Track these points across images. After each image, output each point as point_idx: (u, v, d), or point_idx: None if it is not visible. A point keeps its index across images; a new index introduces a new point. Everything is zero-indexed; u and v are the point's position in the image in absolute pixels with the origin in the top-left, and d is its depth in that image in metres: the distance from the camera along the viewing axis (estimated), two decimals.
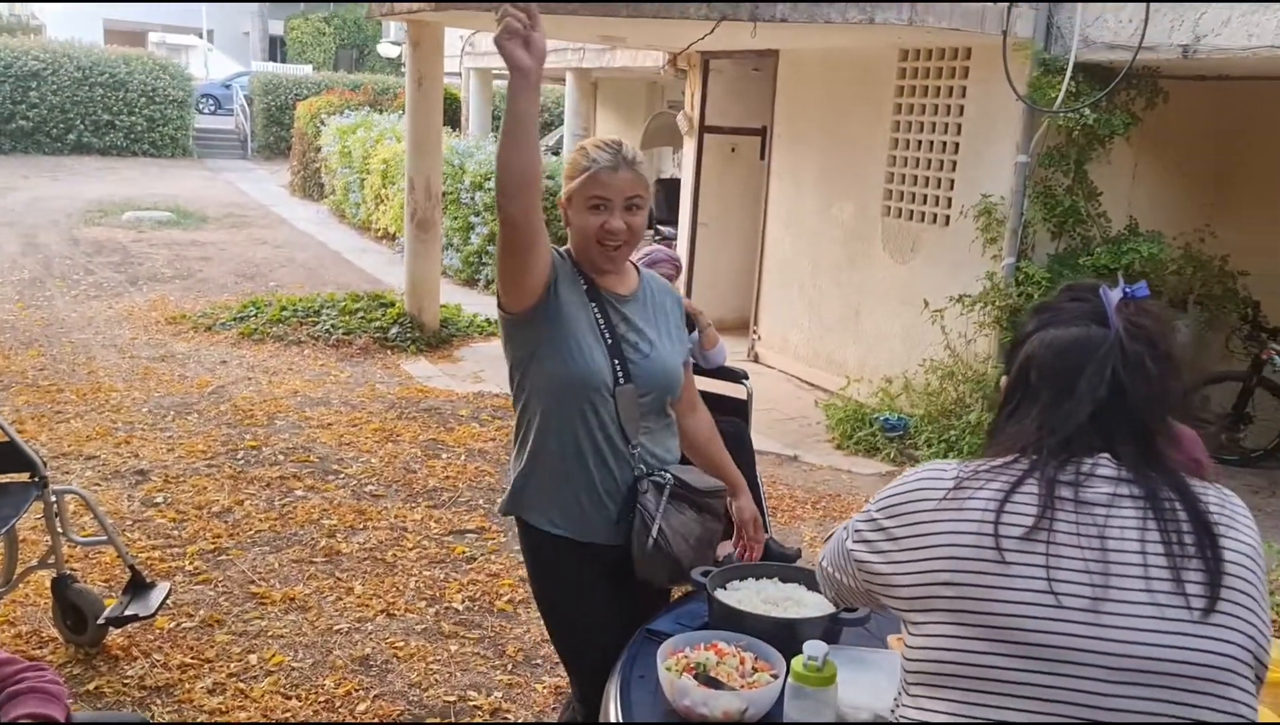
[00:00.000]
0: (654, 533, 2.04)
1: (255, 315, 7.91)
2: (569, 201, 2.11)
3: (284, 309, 7.98)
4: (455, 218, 10.21)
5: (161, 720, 2.96)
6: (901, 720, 1.27)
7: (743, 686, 1.68)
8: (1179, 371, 1.28)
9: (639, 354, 2.12)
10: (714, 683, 1.66)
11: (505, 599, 3.79)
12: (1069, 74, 5.18)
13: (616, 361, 2.08)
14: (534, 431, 2.12)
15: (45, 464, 3.27)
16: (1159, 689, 1.14)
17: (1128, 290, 1.29)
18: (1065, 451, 1.24)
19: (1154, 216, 5.77)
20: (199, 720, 2.98)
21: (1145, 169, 5.95)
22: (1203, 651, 1.15)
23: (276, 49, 34.31)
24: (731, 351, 5.08)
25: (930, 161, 6.20)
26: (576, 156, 2.11)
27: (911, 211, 6.36)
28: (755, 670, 1.74)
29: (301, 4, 32.89)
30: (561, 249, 2.16)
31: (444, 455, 5.34)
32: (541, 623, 3.61)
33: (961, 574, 1.21)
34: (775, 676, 1.70)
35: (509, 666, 3.35)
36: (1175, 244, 5.78)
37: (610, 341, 2.09)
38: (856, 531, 1.38)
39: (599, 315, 2.11)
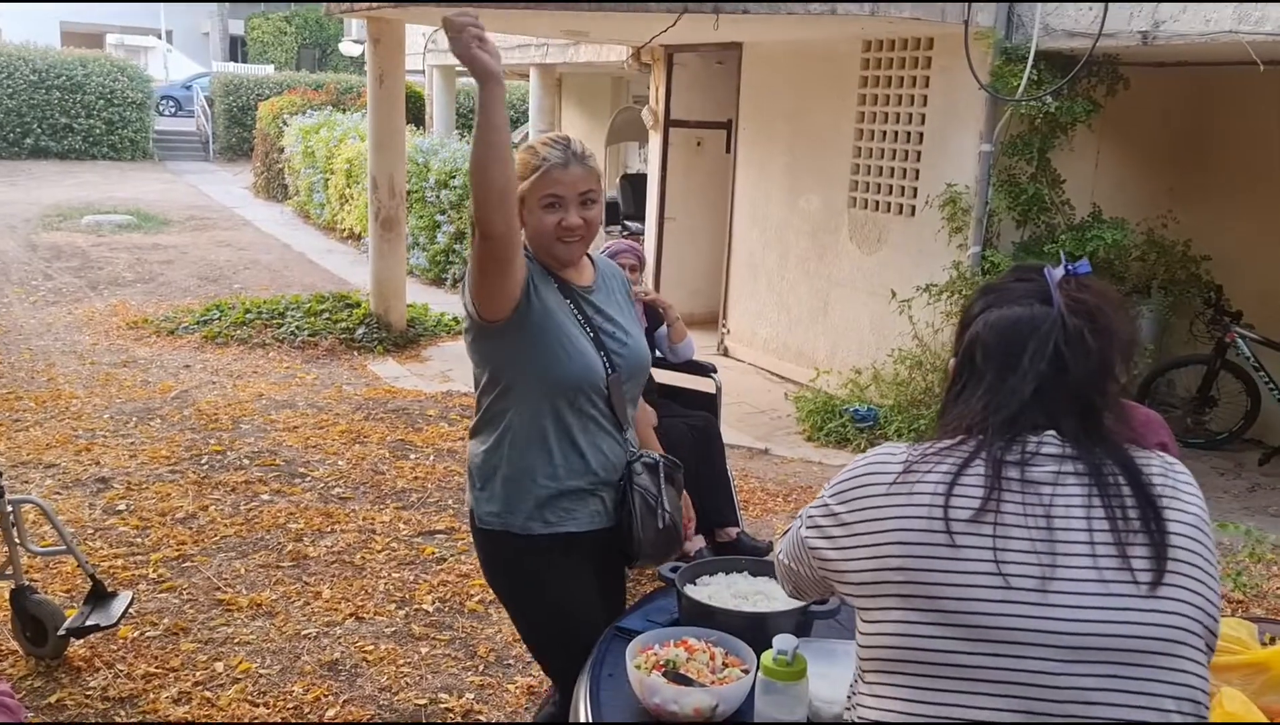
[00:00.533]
0: (667, 513, 2.11)
1: (219, 318, 7.80)
2: (522, 202, 2.05)
3: (248, 311, 7.88)
4: (421, 216, 10.13)
5: None
6: (858, 721, 1.26)
7: (713, 682, 1.66)
8: (1121, 345, 1.28)
9: (618, 343, 2.13)
10: (684, 680, 1.64)
11: (476, 599, 3.75)
12: (1030, 62, 5.20)
13: (602, 354, 2.09)
14: (517, 434, 2.06)
15: (0, 473, 3.20)
16: (1109, 665, 1.14)
17: (1070, 268, 1.31)
18: (1011, 430, 1.24)
19: (1117, 203, 5.82)
20: None
21: (1108, 156, 6.00)
22: (1151, 625, 1.15)
23: (237, 49, 33.86)
24: (701, 346, 5.07)
25: (895, 152, 6.22)
26: (525, 156, 2.07)
27: (878, 202, 6.38)
28: (726, 665, 1.72)
29: (262, 3, 32.48)
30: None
31: (412, 456, 5.28)
32: (511, 623, 3.58)
33: (912, 559, 1.20)
34: (746, 671, 1.69)
35: (480, 667, 3.32)
36: (1138, 230, 5.84)
37: (592, 335, 2.09)
38: (810, 518, 1.37)
39: (575, 310, 2.10)
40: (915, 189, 6.08)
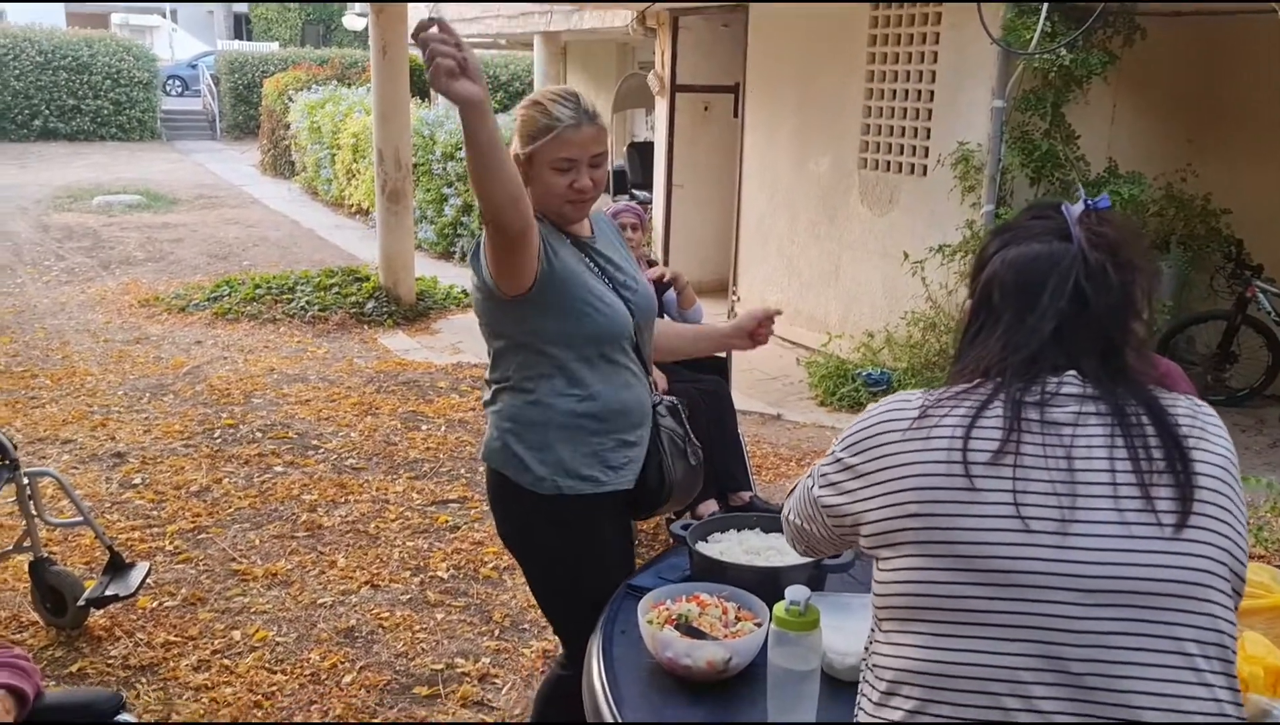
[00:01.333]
0: (697, 448, 2.17)
1: (229, 295, 7.80)
2: (529, 160, 2.00)
3: (258, 287, 7.88)
4: (428, 190, 10.08)
5: (147, 698, 2.92)
6: (874, 668, 1.24)
7: (726, 636, 1.64)
8: (1144, 280, 1.24)
9: (630, 291, 2.11)
10: (697, 634, 1.63)
11: (490, 566, 3.75)
12: (1044, 14, 5.10)
13: (624, 303, 2.07)
14: (547, 396, 2.03)
15: (15, 447, 3.21)
16: (1132, 608, 1.11)
17: (1089, 203, 1.26)
18: (1030, 370, 1.20)
19: (1134, 157, 5.72)
20: (185, 697, 2.94)
21: (1124, 109, 5.90)
22: (1176, 567, 1.12)
23: (241, 26, 33.72)
24: (711, 313, 5.04)
25: (906, 111, 6.13)
26: (533, 113, 1.99)
27: (889, 163, 6.30)
28: (739, 620, 1.70)
29: None
30: None
31: (424, 427, 5.28)
32: (527, 587, 3.58)
33: (930, 504, 1.17)
34: (759, 625, 1.67)
35: (496, 632, 3.32)
36: (1156, 185, 5.74)
37: (610, 285, 2.07)
38: (822, 476, 1.34)
39: (591, 264, 2.07)
40: (926, 148, 5.99)
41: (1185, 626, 1.11)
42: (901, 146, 6.19)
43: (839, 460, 1.30)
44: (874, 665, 1.24)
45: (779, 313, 2.35)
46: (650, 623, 1.67)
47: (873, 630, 1.28)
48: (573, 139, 1.97)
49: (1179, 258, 5.87)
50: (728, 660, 1.59)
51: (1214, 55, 5.92)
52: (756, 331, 2.29)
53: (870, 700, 1.23)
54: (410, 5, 7.65)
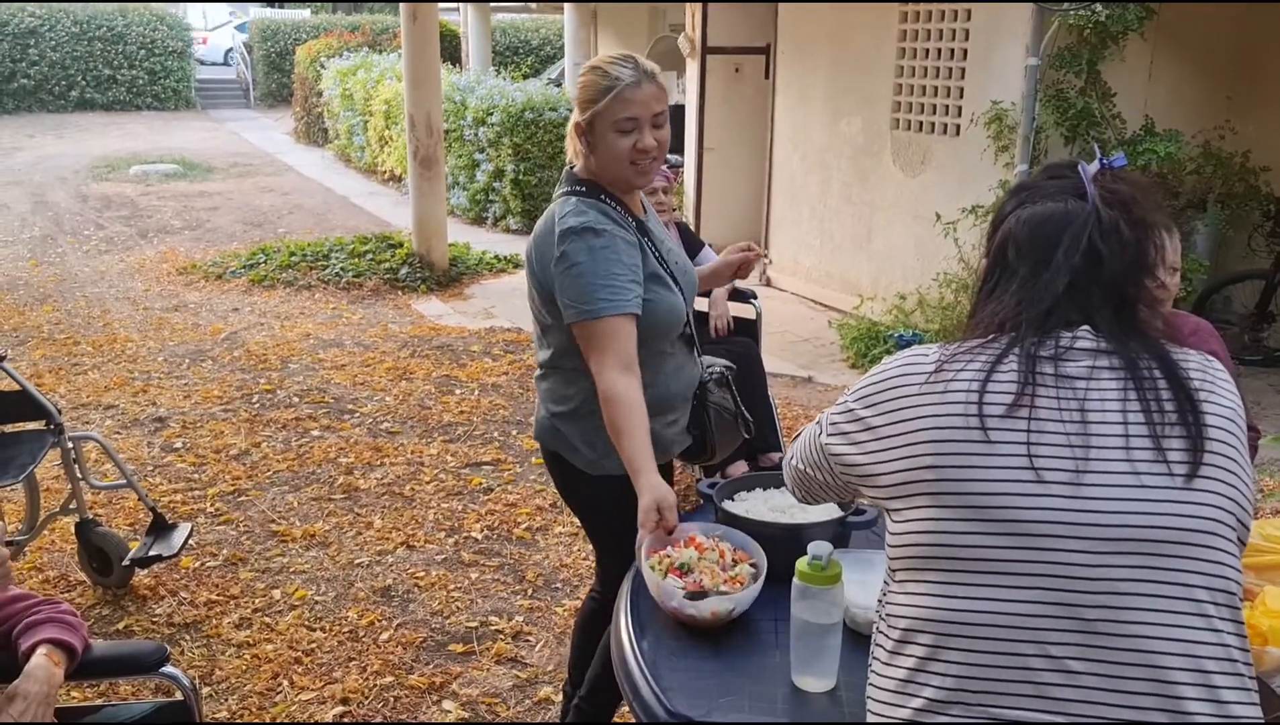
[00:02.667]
0: (748, 421, 2.27)
1: (265, 262, 7.91)
2: (589, 126, 2.01)
3: (293, 254, 7.97)
4: (460, 156, 10.10)
5: (191, 654, 3.02)
6: (887, 617, 1.26)
7: (726, 580, 1.69)
8: (1157, 235, 1.25)
9: (680, 271, 2.16)
10: (699, 595, 1.65)
11: (523, 527, 3.82)
12: None
13: (678, 288, 2.12)
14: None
15: (60, 411, 3.30)
16: (1142, 556, 1.13)
17: (1105, 161, 1.28)
18: (1044, 325, 1.22)
19: (1171, 115, 5.61)
20: (227, 653, 3.03)
21: (1161, 66, 5.77)
22: (1186, 516, 1.14)
23: None
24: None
25: (939, 70, 6.05)
26: (593, 77, 2.01)
27: (921, 123, 6.23)
28: (735, 562, 1.75)
29: None
30: (581, 189, 2.06)
31: (458, 391, 5.35)
32: (559, 547, 3.63)
33: (944, 456, 1.19)
34: (754, 565, 1.73)
35: (529, 591, 3.39)
36: (1194, 142, 5.64)
37: (669, 273, 2.11)
38: (832, 424, 1.36)
39: (652, 248, 2.09)
40: (959, 107, 5.92)
41: (1194, 573, 1.14)
42: (934, 106, 6.11)
43: (850, 411, 1.32)
44: (887, 615, 1.27)
45: (753, 248, 2.41)
46: (652, 569, 1.71)
47: (885, 582, 1.30)
48: (634, 97, 1.97)
49: (1216, 216, 5.77)
50: (730, 610, 1.65)
51: (1254, 10, 5.76)
52: (740, 269, 2.39)
53: (884, 649, 1.26)
54: None
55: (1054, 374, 1.19)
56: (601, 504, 2.19)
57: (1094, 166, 1.27)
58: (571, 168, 2.13)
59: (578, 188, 2.07)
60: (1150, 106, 5.63)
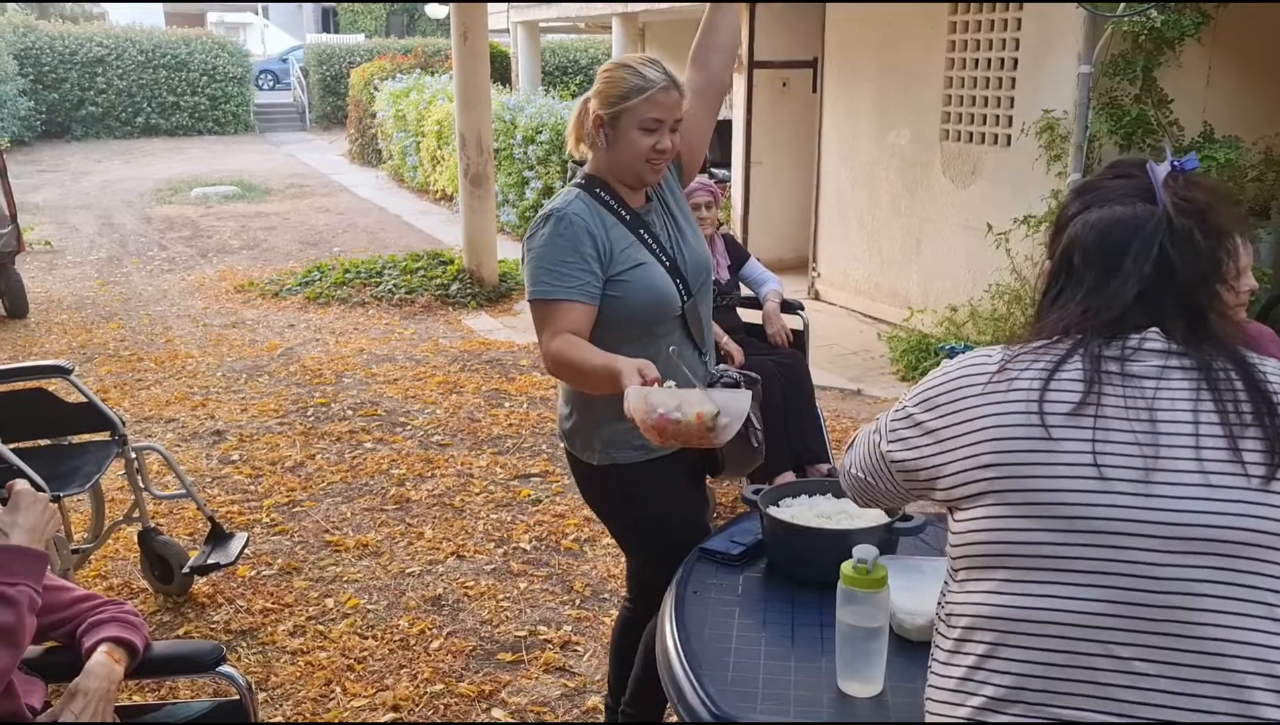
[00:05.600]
0: (758, 432, 2.15)
1: (320, 280, 8.06)
2: (613, 120, 2.06)
3: (347, 272, 8.12)
4: (509, 174, 10.22)
5: (248, 660, 3.08)
6: (946, 617, 1.25)
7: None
8: (1230, 243, 1.22)
9: (687, 262, 2.16)
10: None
11: (571, 538, 3.84)
12: None
13: (677, 280, 2.12)
14: None
15: (124, 423, 3.40)
16: (1215, 557, 1.11)
17: (1176, 163, 1.22)
18: (1112, 331, 1.19)
19: (1231, 121, 5.50)
20: (281, 660, 3.09)
21: (1220, 71, 5.66)
22: (1261, 518, 1.11)
23: (329, 19, 34.54)
24: (791, 290, 5.01)
25: (989, 80, 5.99)
26: (623, 75, 2.05)
27: (971, 134, 6.17)
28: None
29: None
30: (577, 185, 2.12)
31: (506, 404, 5.40)
32: (607, 558, 3.65)
33: (1006, 454, 1.18)
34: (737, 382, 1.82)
35: (577, 601, 3.40)
36: (1255, 149, 5.51)
37: (668, 261, 2.12)
38: (891, 431, 1.34)
39: (648, 237, 2.12)
40: (1010, 117, 5.85)
41: (1267, 576, 1.11)
42: (984, 117, 6.06)
43: (909, 416, 1.30)
44: (947, 615, 1.25)
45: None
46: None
47: (946, 582, 1.29)
48: (663, 101, 2.04)
49: (1279, 225, 5.63)
50: (715, 415, 1.67)
51: None
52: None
53: (943, 649, 1.25)
54: None
55: (1120, 373, 1.17)
56: (614, 494, 2.22)
57: (1164, 168, 1.22)
58: (580, 165, 2.21)
59: (578, 182, 2.14)
60: (1209, 113, 5.51)
